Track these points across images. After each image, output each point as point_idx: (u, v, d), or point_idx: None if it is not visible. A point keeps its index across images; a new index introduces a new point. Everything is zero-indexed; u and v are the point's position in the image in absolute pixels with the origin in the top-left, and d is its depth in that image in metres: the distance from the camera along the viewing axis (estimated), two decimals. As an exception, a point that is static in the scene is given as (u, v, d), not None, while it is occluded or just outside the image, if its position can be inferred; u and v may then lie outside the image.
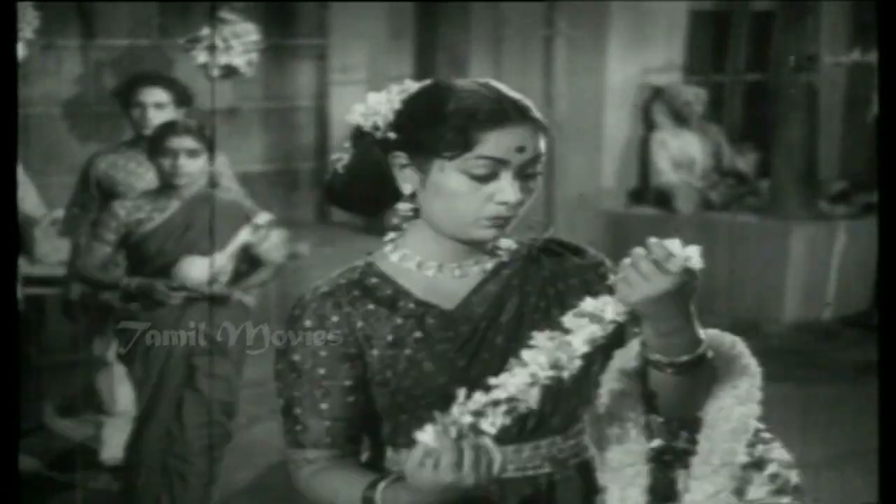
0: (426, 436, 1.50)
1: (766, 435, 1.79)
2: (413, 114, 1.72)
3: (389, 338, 1.72)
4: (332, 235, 6.55)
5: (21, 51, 3.97)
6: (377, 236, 1.84)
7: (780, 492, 1.77)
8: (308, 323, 1.72)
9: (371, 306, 1.73)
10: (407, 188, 1.73)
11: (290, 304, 1.77)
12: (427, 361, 1.71)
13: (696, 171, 7.29)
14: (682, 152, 7.29)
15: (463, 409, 1.51)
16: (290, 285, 3.92)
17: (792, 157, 6.70)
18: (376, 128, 1.74)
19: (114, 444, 4.32)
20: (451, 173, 1.69)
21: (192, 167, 3.76)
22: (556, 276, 1.79)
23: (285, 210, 6.39)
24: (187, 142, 3.74)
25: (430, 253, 1.76)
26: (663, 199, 7.16)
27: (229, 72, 4.52)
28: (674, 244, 1.60)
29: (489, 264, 1.78)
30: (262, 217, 3.87)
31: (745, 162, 7.53)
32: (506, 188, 1.68)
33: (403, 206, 1.75)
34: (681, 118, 7.32)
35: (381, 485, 1.63)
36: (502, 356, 1.66)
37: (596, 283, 1.76)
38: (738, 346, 1.78)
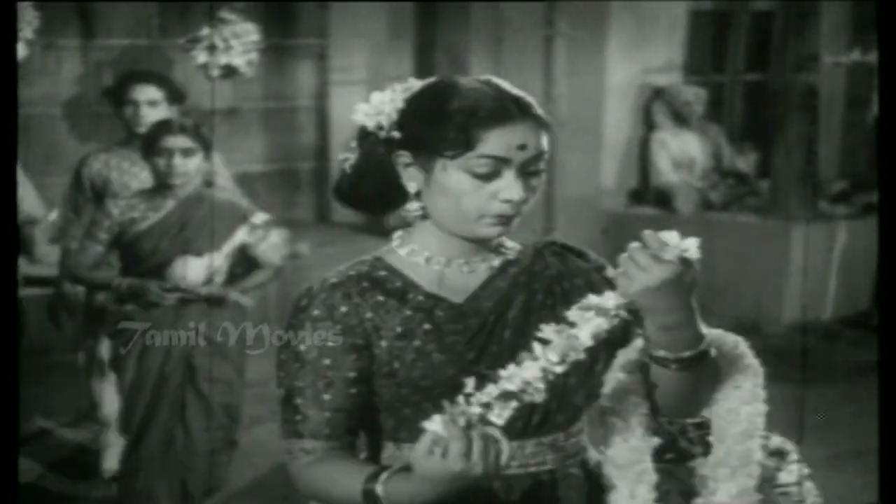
0: (435, 424, 1.49)
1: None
2: (416, 113, 1.72)
3: (399, 329, 1.72)
4: (332, 235, 6.56)
5: (21, 51, 3.97)
6: (377, 236, 1.84)
7: (805, 477, 1.80)
8: (316, 313, 1.72)
9: (380, 298, 1.73)
10: (412, 187, 1.74)
11: (290, 304, 1.76)
12: (437, 353, 1.71)
13: (697, 171, 7.29)
14: (682, 152, 7.28)
15: (471, 400, 1.51)
16: (290, 286, 3.91)
17: (792, 157, 6.69)
18: (380, 127, 1.74)
19: (112, 454, 4.26)
20: (454, 172, 1.69)
21: (188, 166, 3.73)
22: (561, 276, 1.80)
23: (285, 210, 6.41)
24: (182, 141, 3.71)
25: (437, 249, 1.77)
26: (663, 199, 7.15)
27: (229, 72, 4.52)
28: (670, 235, 1.60)
29: (496, 261, 1.78)
30: (259, 217, 3.86)
31: (745, 162, 7.53)
32: (509, 186, 1.68)
33: (412, 207, 1.75)
34: (681, 118, 7.31)
35: (383, 476, 1.61)
36: (510, 350, 1.67)
37: (599, 284, 1.76)
38: (740, 345, 1.79)
